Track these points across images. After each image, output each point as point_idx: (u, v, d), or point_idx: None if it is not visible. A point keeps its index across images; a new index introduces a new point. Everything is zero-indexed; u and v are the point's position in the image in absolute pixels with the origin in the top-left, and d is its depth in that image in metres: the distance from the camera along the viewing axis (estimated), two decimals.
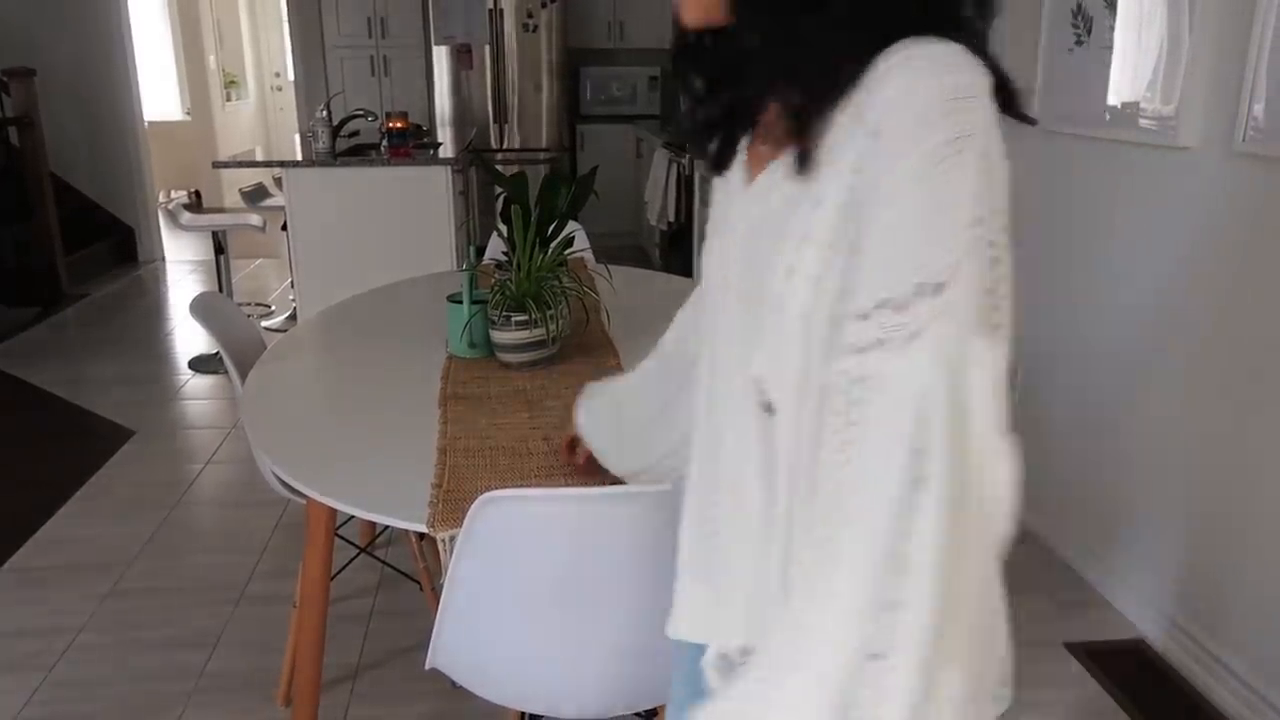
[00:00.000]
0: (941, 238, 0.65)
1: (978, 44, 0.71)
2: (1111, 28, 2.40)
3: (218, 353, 2.07)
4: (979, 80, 0.68)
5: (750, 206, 0.82)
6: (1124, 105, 2.38)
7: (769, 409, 0.77)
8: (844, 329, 0.67)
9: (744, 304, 0.81)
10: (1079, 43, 2.54)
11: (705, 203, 4.36)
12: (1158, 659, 2.30)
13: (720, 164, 0.90)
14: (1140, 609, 2.41)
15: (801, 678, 0.64)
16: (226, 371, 1.97)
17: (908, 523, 0.62)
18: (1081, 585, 2.61)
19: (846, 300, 0.68)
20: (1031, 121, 0.75)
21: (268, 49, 10.43)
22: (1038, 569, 2.69)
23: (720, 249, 0.89)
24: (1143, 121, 2.31)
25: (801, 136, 0.72)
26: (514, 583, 1.25)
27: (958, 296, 0.64)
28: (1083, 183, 2.61)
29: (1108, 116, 2.44)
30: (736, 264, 0.84)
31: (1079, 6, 2.53)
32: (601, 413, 1.27)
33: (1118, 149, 2.44)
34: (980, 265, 0.66)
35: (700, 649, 0.89)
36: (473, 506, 1.16)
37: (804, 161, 0.72)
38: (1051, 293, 2.78)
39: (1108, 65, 2.42)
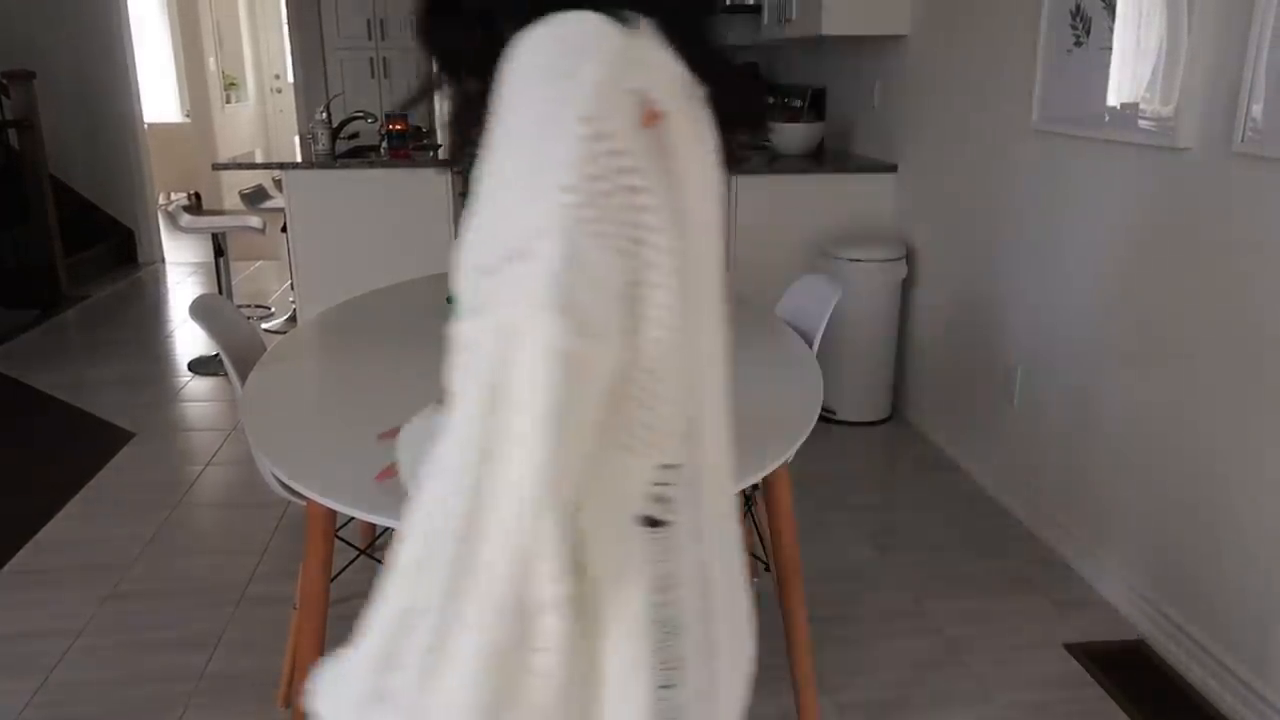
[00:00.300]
0: (529, 205, 0.60)
1: (630, 21, 0.63)
2: (1110, 29, 2.40)
3: (217, 354, 2.08)
4: (596, 49, 0.61)
5: None
6: (1123, 106, 2.38)
7: None
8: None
9: None
10: (1078, 43, 2.55)
11: None
12: (1158, 659, 2.30)
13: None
14: (1139, 608, 2.41)
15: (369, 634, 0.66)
16: (226, 373, 1.97)
17: (441, 495, 0.60)
18: (1080, 584, 2.61)
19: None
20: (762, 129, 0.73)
21: (267, 51, 10.43)
22: (1035, 568, 2.69)
23: None
24: (1142, 122, 2.31)
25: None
26: None
27: (534, 268, 0.58)
28: (1081, 184, 2.61)
29: (1107, 117, 2.44)
30: None
31: (1078, 7, 2.53)
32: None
33: (1116, 150, 2.45)
34: (572, 239, 0.59)
35: None
36: None
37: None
38: (1049, 293, 2.78)
39: (1107, 66, 2.42)
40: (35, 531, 2.88)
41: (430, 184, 4.19)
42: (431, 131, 5.91)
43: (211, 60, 9.13)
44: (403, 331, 2.15)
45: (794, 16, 3.99)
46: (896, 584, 2.62)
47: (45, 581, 2.62)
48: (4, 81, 5.38)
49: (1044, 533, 2.84)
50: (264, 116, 10.52)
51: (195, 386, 4.14)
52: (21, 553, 2.76)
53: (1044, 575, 2.66)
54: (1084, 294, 2.62)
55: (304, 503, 1.56)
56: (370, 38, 6.70)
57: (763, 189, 3.85)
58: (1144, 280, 2.37)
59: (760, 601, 2.41)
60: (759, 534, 2.50)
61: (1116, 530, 2.51)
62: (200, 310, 1.99)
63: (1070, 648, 2.33)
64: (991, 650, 2.33)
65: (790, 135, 4.23)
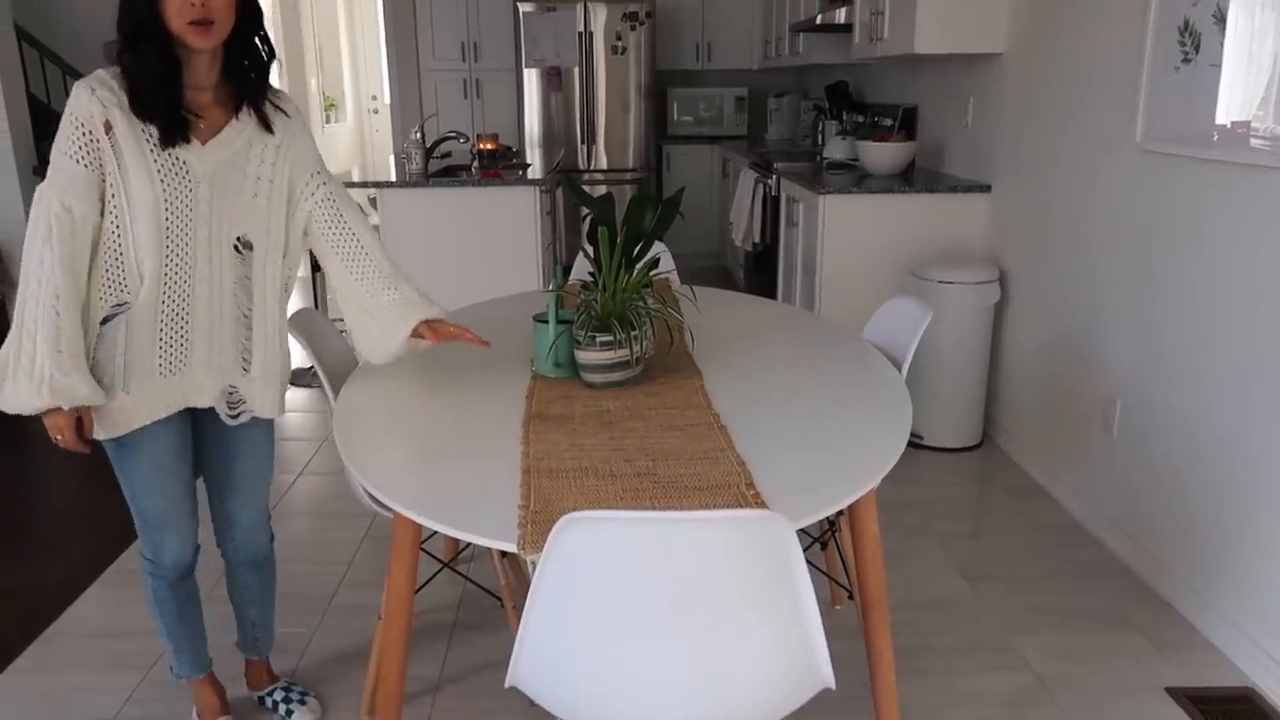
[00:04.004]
0: (55, 150, 1.65)
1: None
2: (1221, 44, 2.30)
3: (312, 367, 2.13)
4: (83, 86, 1.63)
5: (209, 155, 1.69)
6: (1234, 125, 2.28)
7: (249, 248, 1.77)
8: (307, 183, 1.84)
9: (220, 200, 1.70)
10: (1186, 60, 2.45)
11: (792, 223, 4.33)
12: (1270, 710, 2.17)
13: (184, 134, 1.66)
14: (1249, 653, 2.28)
15: None
16: (321, 385, 2.03)
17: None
18: (1182, 625, 2.49)
19: (297, 177, 1.82)
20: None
21: (365, 72, 10.77)
22: (1132, 605, 2.58)
23: (179, 184, 1.66)
24: (1254, 141, 2.21)
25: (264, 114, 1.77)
26: (595, 604, 1.25)
27: (50, 171, 1.65)
28: (1187, 205, 2.51)
29: (1216, 136, 2.34)
30: (204, 182, 1.68)
31: (1186, 23, 2.44)
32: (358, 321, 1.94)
33: (1226, 170, 2.34)
34: (59, 162, 1.64)
35: None
36: (556, 526, 1.17)
37: (269, 125, 1.77)
38: (1151, 319, 2.67)
39: (1216, 83, 2.33)
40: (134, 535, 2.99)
41: (519, 202, 4.26)
42: (521, 151, 6.01)
43: (313, 82, 9.47)
44: (491, 348, 2.18)
45: (886, 35, 3.94)
46: (985, 616, 2.54)
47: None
48: None
49: (1142, 568, 2.72)
50: (361, 136, 10.85)
51: (291, 397, 4.27)
52: (126, 553, 2.88)
53: (1142, 613, 2.55)
54: (1189, 321, 2.51)
55: (391, 515, 1.59)
56: (464, 59, 6.86)
57: (851, 209, 3.80)
58: (1253, 307, 2.26)
59: (844, 630, 2.37)
60: (843, 560, 2.45)
61: (1223, 569, 2.39)
62: (298, 324, 2.05)
63: (1172, 692, 2.22)
64: (1086, 690, 2.23)
65: (880, 155, 4.17)
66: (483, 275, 4.20)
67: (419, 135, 4.46)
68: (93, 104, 1.60)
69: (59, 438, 1.64)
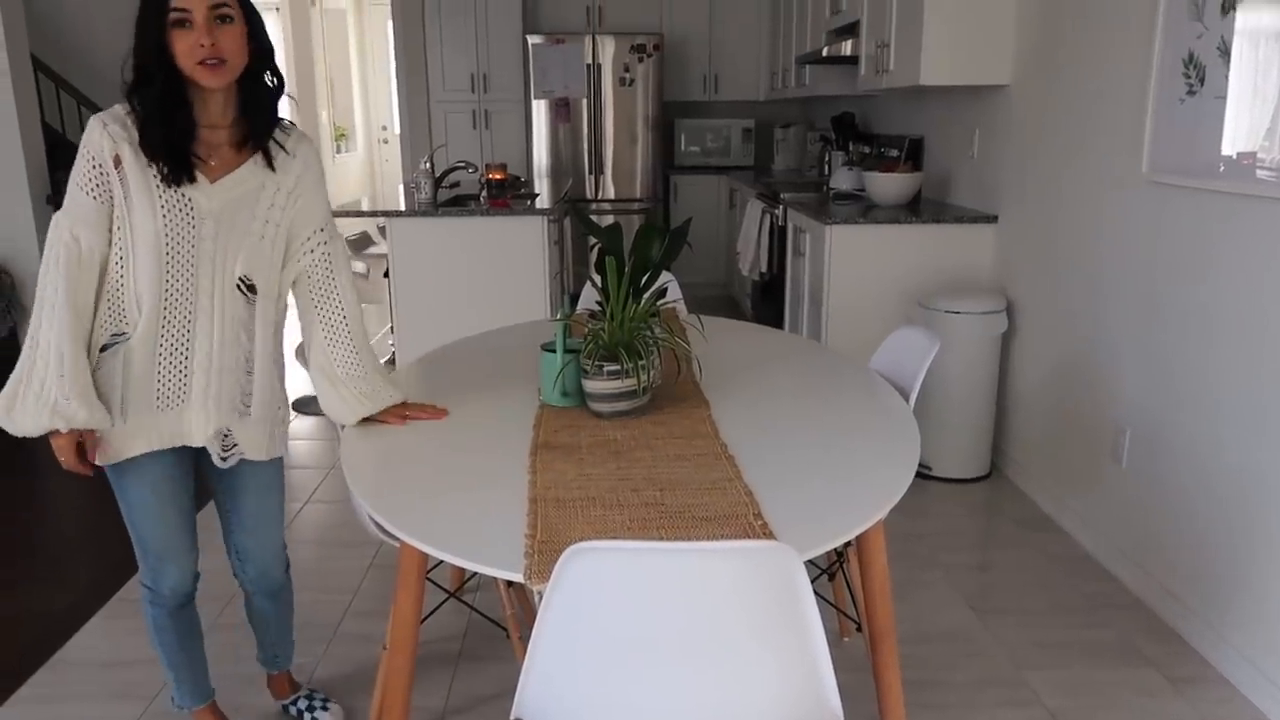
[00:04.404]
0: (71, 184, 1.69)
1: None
2: (1226, 77, 2.32)
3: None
4: (98, 122, 1.67)
5: (218, 194, 1.71)
6: (1240, 156, 2.29)
7: (252, 290, 1.78)
8: (309, 237, 1.88)
9: (226, 238, 1.73)
10: (1191, 92, 2.46)
11: (799, 253, 4.34)
12: None
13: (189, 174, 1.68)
14: (1264, 690, 2.26)
15: None
16: (317, 413, 2.03)
17: None
18: (1195, 659, 2.46)
19: (301, 228, 1.86)
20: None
21: (376, 103, 10.88)
22: (1144, 639, 2.55)
23: (182, 220, 1.68)
24: (1260, 172, 2.22)
25: (268, 154, 1.77)
26: (602, 635, 1.24)
27: (66, 201, 1.69)
28: (1193, 236, 2.51)
29: (1222, 167, 2.35)
30: (210, 219, 1.70)
31: (1191, 56, 2.46)
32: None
33: (1232, 200, 2.35)
34: (74, 194, 1.69)
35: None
36: (563, 556, 1.17)
37: (271, 164, 1.78)
38: (1160, 350, 2.67)
39: (1221, 115, 2.34)
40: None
41: (527, 232, 4.28)
42: (529, 181, 6.05)
43: (324, 113, 9.57)
44: (498, 377, 2.18)
45: (892, 67, 3.98)
46: (994, 649, 2.51)
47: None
48: None
49: (1154, 601, 2.69)
50: (371, 165, 10.94)
51: (298, 425, 4.28)
52: (131, 582, 2.87)
53: (1154, 647, 2.52)
54: (1197, 350, 2.51)
55: (397, 544, 1.59)
56: (474, 90, 6.93)
57: (858, 239, 3.82)
58: (1261, 337, 2.26)
59: (852, 663, 2.34)
60: (851, 592, 2.44)
61: (1237, 601, 2.37)
62: (304, 352, 2.06)
63: None
64: None
65: (886, 185, 4.19)
66: (491, 304, 4.22)
67: (428, 165, 4.49)
68: (104, 139, 1.64)
69: (62, 459, 1.68)
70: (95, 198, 1.65)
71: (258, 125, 1.74)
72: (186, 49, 1.59)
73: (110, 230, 1.67)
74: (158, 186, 1.65)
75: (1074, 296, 3.18)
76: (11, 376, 1.65)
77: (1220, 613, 2.42)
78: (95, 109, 6.41)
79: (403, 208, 4.32)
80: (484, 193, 4.59)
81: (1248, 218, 2.30)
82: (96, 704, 2.30)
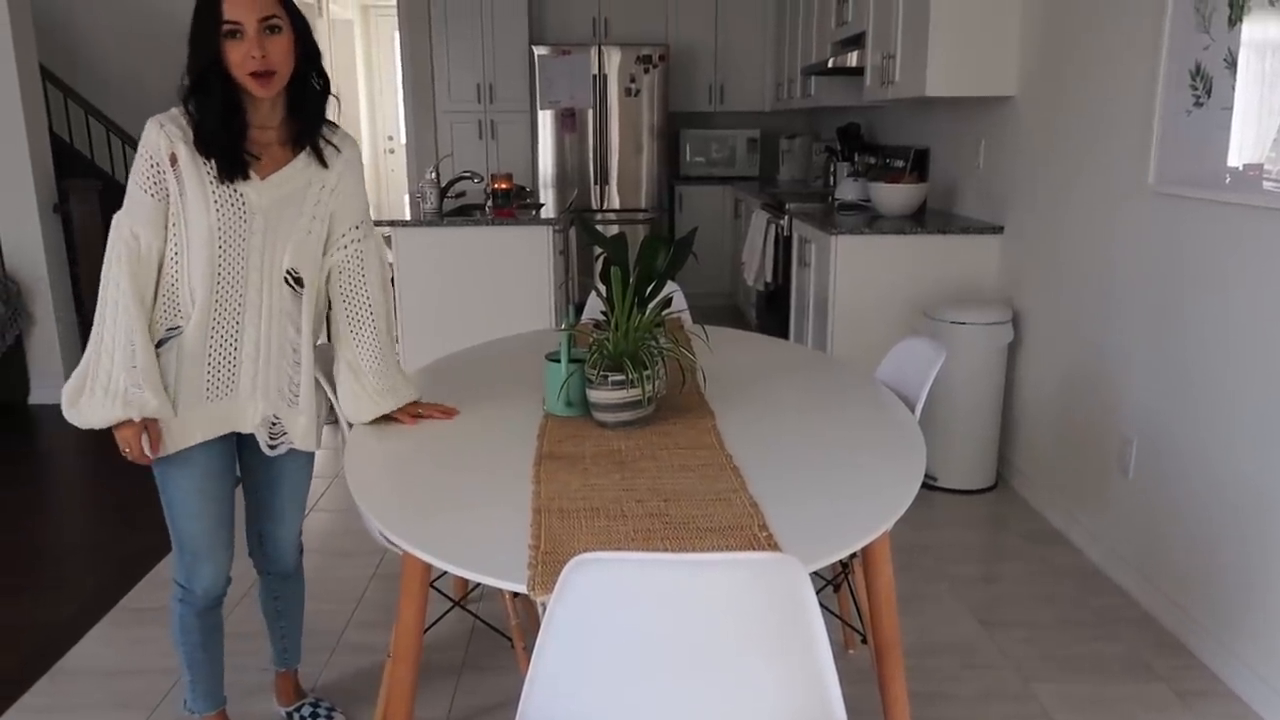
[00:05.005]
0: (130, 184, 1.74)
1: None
2: (1233, 88, 2.31)
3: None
4: (154, 123, 1.74)
5: (268, 190, 1.77)
6: (1246, 167, 2.28)
7: (299, 283, 1.84)
8: (344, 234, 1.90)
9: (275, 233, 1.79)
10: (1198, 104, 2.46)
11: (804, 264, 4.34)
12: None
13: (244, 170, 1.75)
14: (1275, 706, 2.24)
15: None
16: (335, 421, 2.03)
17: None
18: (1204, 673, 2.44)
19: (338, 224, 1.89)
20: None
21: (382, 113, 10.92)
22: (1153, 653, 2.53)
23: (235, 215, 1.75)
24: (1267, 184, 2.21)
25: (320, 151, 1.85)
26: (605, 646, 1.24)
27: (126, 201, 1.73)
28: (1200, 247, 2.50)
29: (1228, 179, 2.35)
30: (260, 214, 1.76)
31: (1198, 67, 2.46)
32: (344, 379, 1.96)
33: (1239, 212, 2.34)
34: (133, 194, 1.76)
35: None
36: (566, 568, 1.16)
37: (323, 160, 1.85)
38: (1167, 361, 2.66)
39: (1228, 126, 2.33)
40: (148, 570, 3.00)
41: (532, 242, 4.29)
42: (535, 191, 6.07)
43: None
44: (504, 386, 2.18)
45: (897, 78, 3.98)
46: (1001, 662, 2.50)
47: (156, 619, 2.71)
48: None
49: (1163, 614, 2.68)
50: (377, 175, 10.97)
51: None
52: (134, 591, 2.87)
53: (1163, 661, 2.50)
54: (1204, 361, 2.50)
55: (401, 553, 1.58)
56: (480, 101, 6.95)
57: (863, 250, 3.81)
58: (1270, 347, 2.25)
59: (858, 675, 2.33)
60: (856, 604, 2.42)
61: (1247, 616, 2.35)
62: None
63: None
64: None
65: (892, 196, 4.19)
66: (496, 313, 4.21)
67: (434, 175, 4.50)
68: (160, 138, 1.71)
69: (127, 450, 1.74)
70: (153, 196, 1.71)
71: (306, 125, 1.81)
72: (239, 59, 1.66)
73: (166, 228, 1.74)
74: (211, 183, 1.72)
75: (1080, 307, 3.17)
76: (75, 371, 1.72)
77: (1230, 627, 2.40)
78: (103, 118, 6.44)
79: (408, 217, 4.33)
80: (489, 202, 4.59)
81: (1254, 229, 2.29)
82: (99, 713, 2.30)
